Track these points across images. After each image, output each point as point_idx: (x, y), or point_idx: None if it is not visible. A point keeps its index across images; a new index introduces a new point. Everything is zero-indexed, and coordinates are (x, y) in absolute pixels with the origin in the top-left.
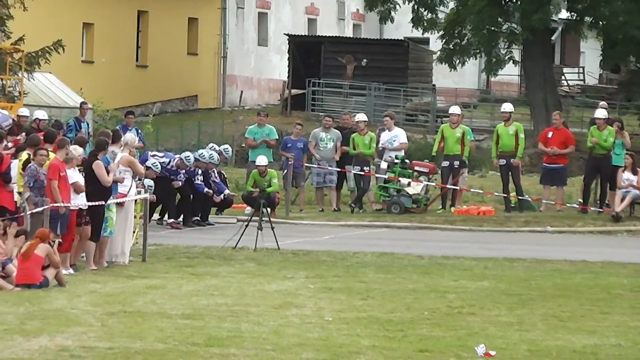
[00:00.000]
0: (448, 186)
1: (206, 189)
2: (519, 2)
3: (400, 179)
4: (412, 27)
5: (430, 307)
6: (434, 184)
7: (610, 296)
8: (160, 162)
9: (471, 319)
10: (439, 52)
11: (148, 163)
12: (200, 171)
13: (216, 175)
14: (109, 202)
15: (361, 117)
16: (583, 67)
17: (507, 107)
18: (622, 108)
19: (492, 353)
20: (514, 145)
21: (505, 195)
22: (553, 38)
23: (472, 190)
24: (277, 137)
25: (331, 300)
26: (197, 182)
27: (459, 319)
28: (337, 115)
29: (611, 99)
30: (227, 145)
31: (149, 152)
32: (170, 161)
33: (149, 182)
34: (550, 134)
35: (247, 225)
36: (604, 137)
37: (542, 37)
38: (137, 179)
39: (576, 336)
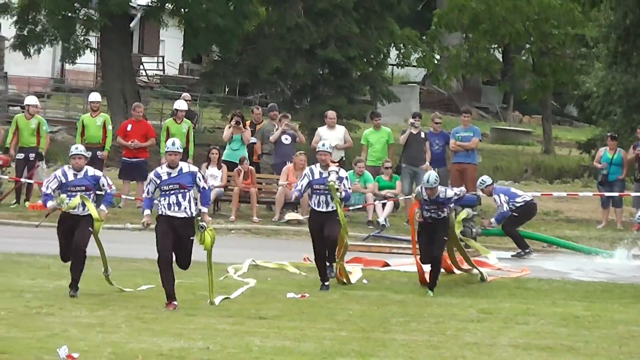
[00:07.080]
0: (23, 180)
1: None
2: None
3: None
4: None
5: (7, 307)
6: (7, 177)
7: (196, 297)
8: None
9: (50, 319)
10: (12, 39)
11: None
12: None
13: None
14: None
15: None
16: (163, 57)
17: (95, 97)
18: (203, 100)
19: (75, 355)
20: (102, 137)
21: None
22: (132, 25)
23: None
24: None
25: None
26: None
27: (37, 320)
28: None
29: (192, 90)
30: None
31: None
32: None
33: None
34: (129, 127)
35: None
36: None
37: (121, 23)
38: None
39: (162, 339)
